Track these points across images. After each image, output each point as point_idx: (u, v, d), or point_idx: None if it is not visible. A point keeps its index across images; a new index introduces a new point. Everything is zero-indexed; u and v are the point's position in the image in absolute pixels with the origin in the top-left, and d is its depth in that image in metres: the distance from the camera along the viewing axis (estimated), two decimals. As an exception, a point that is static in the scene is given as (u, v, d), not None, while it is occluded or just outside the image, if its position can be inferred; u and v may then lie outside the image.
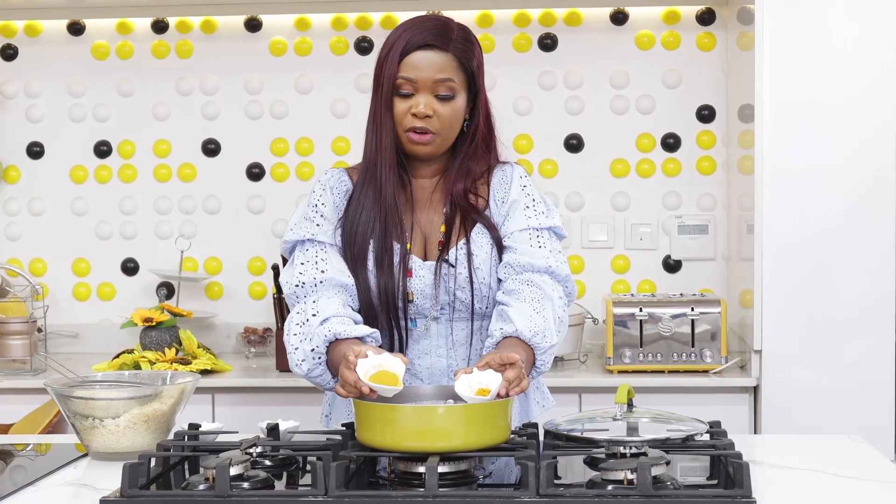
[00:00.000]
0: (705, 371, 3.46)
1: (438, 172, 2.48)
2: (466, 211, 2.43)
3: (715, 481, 2.03)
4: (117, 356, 3.63)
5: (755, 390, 3.40)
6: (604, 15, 3.97)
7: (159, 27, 4.09)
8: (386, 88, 2.37)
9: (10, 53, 4.13)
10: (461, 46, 2.40)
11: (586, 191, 4.00)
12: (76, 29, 4.11)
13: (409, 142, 2.39)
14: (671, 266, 3.99)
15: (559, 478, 2.10)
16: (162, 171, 4.11)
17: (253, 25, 4.06)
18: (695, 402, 3.39)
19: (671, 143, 3.97)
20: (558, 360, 3.66)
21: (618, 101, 3.98)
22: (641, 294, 3.71)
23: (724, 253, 3.95)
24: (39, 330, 4.01)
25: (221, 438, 2.34)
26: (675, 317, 3.47)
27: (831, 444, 2.32)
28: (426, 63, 2.37)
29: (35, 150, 4.15)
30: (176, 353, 3.61)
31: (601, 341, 3.79)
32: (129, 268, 4.14)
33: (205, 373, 3.56)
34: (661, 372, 3.48)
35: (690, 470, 2.16)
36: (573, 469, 2.14)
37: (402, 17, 3.96)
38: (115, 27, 4.10)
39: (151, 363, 3.52)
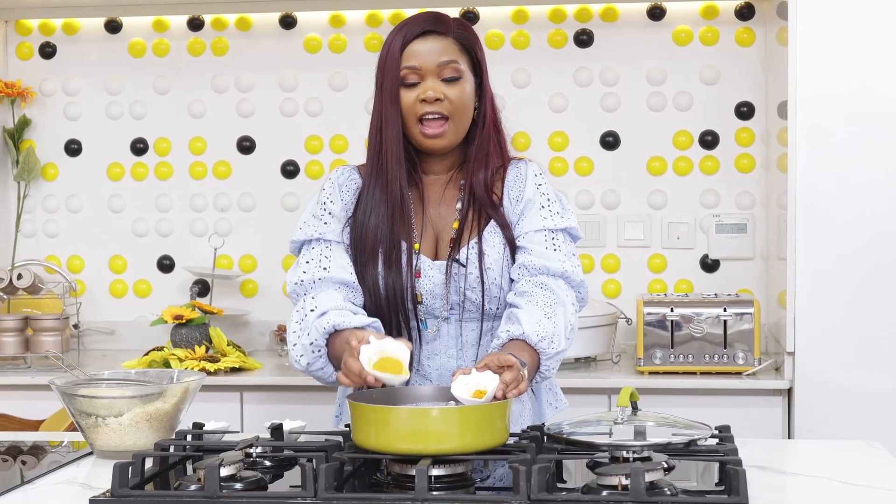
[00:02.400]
0: (738, 373, 3.39)
1: (452, 167, 2.44)
2: (483, 204, 2.39)
3: (722, 487, 1.98)
4: (147, 353, 3.63)
5: (789, 393, 3.33)
6: (640, 10, 3.91)
7: (195, 24, 4.09)
8: (390, 83, 2.34)
9: (48, 51, 4.16)
10: (460, 30, 2.39)
11: (622, 189, 3.95)
12: (113, 27, 4.13)
13: (423, 135, 2.35)
14: (709, 266, 3.92)
15: (565, 481, 2.06)
16: (197, 169, 4.12)
17: (287, 23, 4.05)
18: (727, 405, 3.33)
19: (709, 140, 3.91)
20: (591, 361, 3.62)
21: (655, 97, 3.92)
22: (674, 294, 3.65)
23: (763, 252, 3.88)
24: (76, 326, 4.03)
25: (228, 438, 2.32)
26: (707, 317, 3.40)
27: (848, 450, 2.26)
28: (427, 49, 2.34)
29: (73, 148, 4.18)
30: (206, 351, 3.61)
31: (635, 342, 3.73)
32: (165, 265, 4.15)
33: (234, 370, 3.56)
34: (693, 373, 3.41)
35: (701, 476, 2.11)
36: (580, 474, 2.10)
37: (436, 13, 3.93)
38: (152, 25, 4.11)
39: (181, 360, 3.52)
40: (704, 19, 3.89)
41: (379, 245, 2.35)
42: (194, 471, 2.05)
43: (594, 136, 3.96)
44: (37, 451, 2.41)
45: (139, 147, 4.15)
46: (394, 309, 2.34)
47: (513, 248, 2.37)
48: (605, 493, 1.84)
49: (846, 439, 2.41)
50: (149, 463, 2.06)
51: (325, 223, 2.41)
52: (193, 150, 4.12)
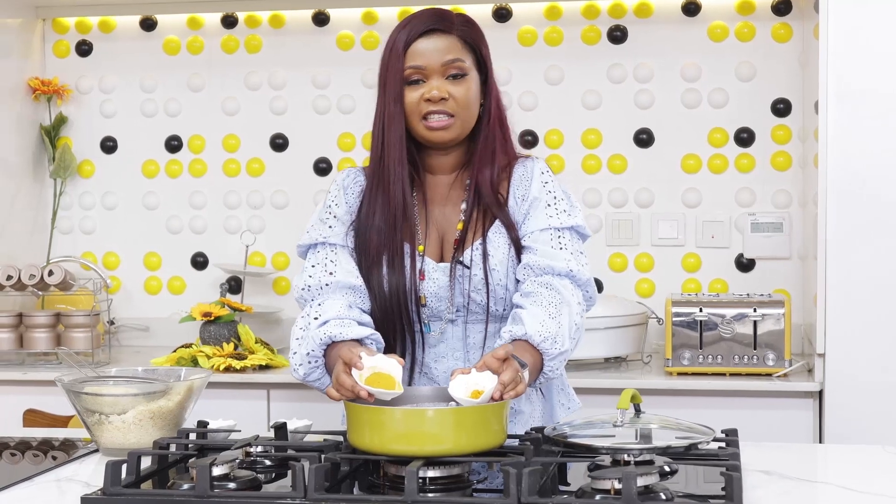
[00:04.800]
0: (768, 374, 3.33)
1: (456, 167, 2.41)
2: (489, 203, 2.35)
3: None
4: (175, 350, 3.64)
5: (820, 395, 3.26)
6: (675, 6, 3.86)
7: (229, 22, 4.10)
8: (393, 82, 2.31)
9: (84, 49, 4.19)
10: (464, 28, 2.35)
11: (656, 187, 3.90)
12: (148, 25, 4.15)
13: (428, 129, 2.32)
14: (744, 265, 3.86)
15: (569, 484, 2.03)
16: (231, 166, 4.13)
17: (320, 20, 4.05)
18: (757, 407, 3.28)
19: (745, 137, 3.84)
20: (621, 361, 3.57)
21: (689, 94, 3.87)
22: (708, 294, 3.60)
23: (801, 252, 3.81)
24: (112, 323, 4.06)
25: (235, 436, 2.30)
26: (737, 317, 3.34)
27: (861, 455, 2.21)
28: (431, 48, 2.31)
29: (108, 145, 4.20)
30: (234, 348, 3.61)
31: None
32: (199, 262, 4.16)
33: (262, 368, 3.56)
34: (722, 374, 3.36)
35: (708, 481, 2.06)
36: (582, 477, 2.07)
37: (468, 9, 3.89)
38: (186, 22, 4.13)
39: (208, 357, 3.53)
40: (740, 14, 3.83)
41: (383, 248, 2.33)
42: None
43: (628, 134, 3.92)
44: (67, 447, 2.41)
45: (174, 144, 4.16)
46: (398, 312, 2.32)
47: (518, 248, 2.34)
48: (598, 497, 1.80)
49: (877, 443, 2.34)
50: (147, 462, 2.05)
51: (330, 227, 2.39)
52: (227, 147, 4.13)
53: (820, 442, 3.23)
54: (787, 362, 3.33)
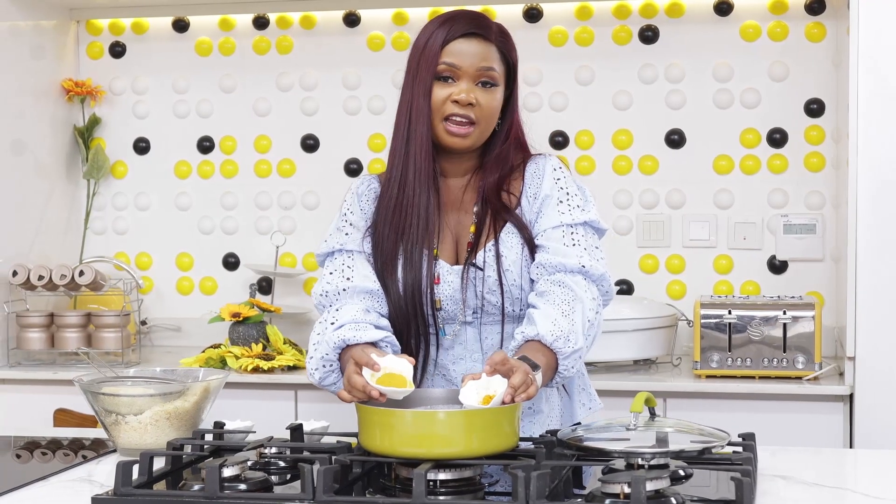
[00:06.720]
0: (798, 378, 3.30)
1: (469, 171, 2.41)
2: (495, 209, 2.35)
3: (742, 497, 1.91)
4: (204, 351, 3.65)
5: (851, 399, 3.22)
6: (707, 5, 3.82)
7: (260, 23, 4.11)
8: (425, 75, 2.30)
9: (118, 51, 4.21)
10: (501, 38, 2.36)
11: (688, 188, 3.86)
12: (181, 26, 4.16)
13: (447, 133, 2.31)
14: (777, 267, 3.82)
15: (584, 488, 2.01)
16: (262, 167, 4.14)
17: (351, 20, 4.05)
18: (786, 410, 3.24)
19: (777, 138, 3.80)
20: (651, 363, 3.54)
21: (721, 94, 3.83)
22: (739, 296, 3.57)
23: (834, 254, 3.76)
24: (144, 323, 4.08)
25: (252, 438, 2.30)
26: (766, 320, 3.31)
27: (888, 460, 2.17)
28: (470, 51, 2.31)
29: (141, 146, 4.22)
30: (263, 349, 3.62)
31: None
32: (230, 263, 4.17)
33: (290, 369, 3.56)
34: (752, 377, 3.32)
35: (727, 486, 2.04)
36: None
37: (499, 10, 3.89)
38: (218, 24, 4.14)
39: (237, 358, 3.53)
40: (773, 14, 3.79)
41: (398, 251, 2.33)
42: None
43: (659, 134, 3.88)
44: (98, 446, 2.42)
45: (205, 145, 4.17)
46: (413, 314, 2.32)
47: (532, 247, 2.33)
48: (608, 501, 1.79)
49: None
50: (161, 462, 2.05)
51: (347, 234, 2.40)
52: (258, 148, 4.14)
53: (850, 447, 3.19)
54: (817, 365, 3.29)
